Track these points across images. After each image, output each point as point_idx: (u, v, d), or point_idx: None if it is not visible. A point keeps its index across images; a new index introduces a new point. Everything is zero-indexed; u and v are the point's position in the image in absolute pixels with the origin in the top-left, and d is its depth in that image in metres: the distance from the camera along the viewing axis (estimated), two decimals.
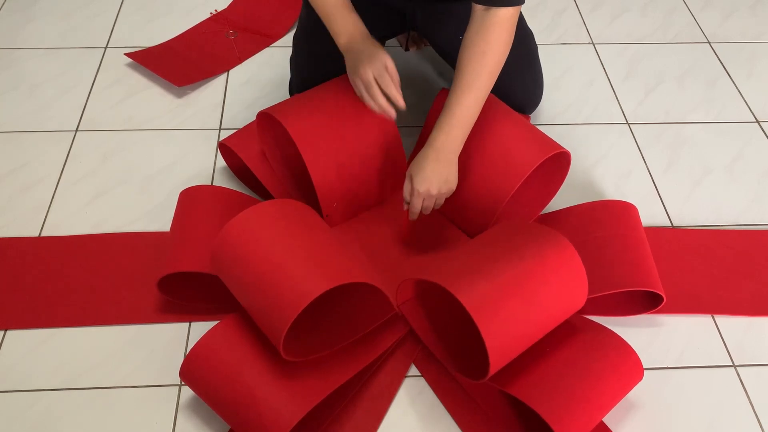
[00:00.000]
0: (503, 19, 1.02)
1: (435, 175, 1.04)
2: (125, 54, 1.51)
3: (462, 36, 1.23)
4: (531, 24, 1.34)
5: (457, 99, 1.04)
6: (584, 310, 1.06)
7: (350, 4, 1.09)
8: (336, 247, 0.94)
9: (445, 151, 1.05)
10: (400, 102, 1.05)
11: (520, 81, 1.27)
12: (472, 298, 0.86)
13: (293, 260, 0.88)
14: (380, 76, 1.04)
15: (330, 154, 1.11)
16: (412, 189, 1.05)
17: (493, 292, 0.87)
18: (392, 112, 1.07)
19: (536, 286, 0.90)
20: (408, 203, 1.07)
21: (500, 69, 1.05)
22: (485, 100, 1.06)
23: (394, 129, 1.17)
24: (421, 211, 1.08)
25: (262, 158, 1.19)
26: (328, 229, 0.98)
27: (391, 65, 1.05)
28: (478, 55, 1.03)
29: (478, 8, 1.04)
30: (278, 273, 0.87)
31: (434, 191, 1.05)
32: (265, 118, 1.14)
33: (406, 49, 1.40)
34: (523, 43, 1.25)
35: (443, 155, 1.04)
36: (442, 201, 1.08)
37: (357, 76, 1.06)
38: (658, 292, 1.01)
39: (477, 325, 0.84)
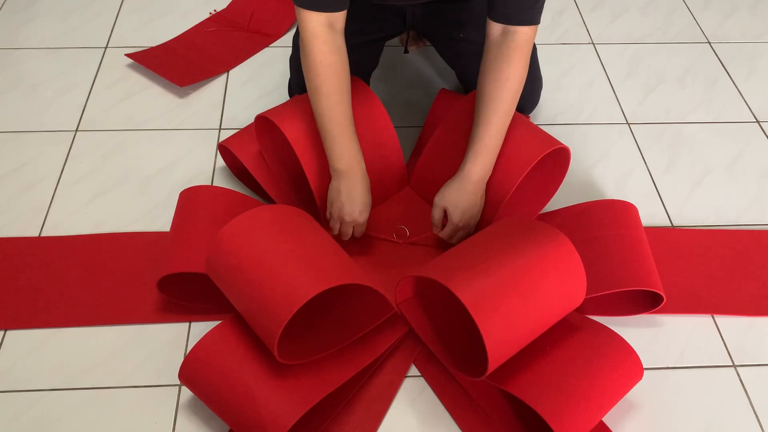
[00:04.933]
0: (523, 42, 1.02)
1: (474, 208, 1.06)
2: (125, 54, 1.51)
3: (462, 35, 1.22)
4: None
5: (486, 127, 1.04)
6: (584, 310, 1.06)
7: (354, 130, 1.05)
8: (331, 250, 0.94)
9: (481, 183, 1.06)
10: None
11: None
12: (469, 294, 0.86)
13: (286, 265, 0.88)
14: (346, 224, 1.06)
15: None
16: (455, 226, 1.06)
17: (491, 288, 0.87)
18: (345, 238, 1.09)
19: (534, 282, 0.90)
20: (440, 232, 1.08)
21: (522, 88, 1.05)
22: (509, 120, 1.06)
23: (392, 130, 1.17)
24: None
25: (261, 160, 1.19)
26: (324, 232, 0.98)
27: (362, 219, 1.05)
28: (502, 81, 1.03)
29: (495, 29, 1.03)
30: (271, 278, 0.87)
31: (473, 223, 1.07)
32: (263, 121, 1.14)
33: (406, 50, 1.40)
34: None
35: (479, 187, 1.06)
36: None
37: (331, 207, 1.07)
38: (658, 291, 1.01)
39: (475, 321, 0.84)
